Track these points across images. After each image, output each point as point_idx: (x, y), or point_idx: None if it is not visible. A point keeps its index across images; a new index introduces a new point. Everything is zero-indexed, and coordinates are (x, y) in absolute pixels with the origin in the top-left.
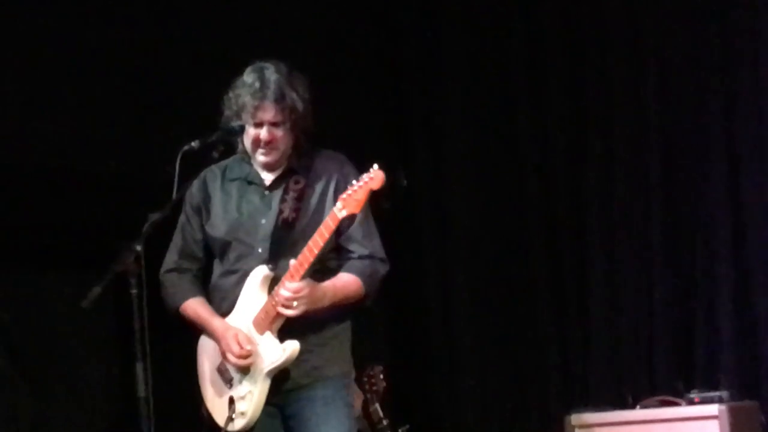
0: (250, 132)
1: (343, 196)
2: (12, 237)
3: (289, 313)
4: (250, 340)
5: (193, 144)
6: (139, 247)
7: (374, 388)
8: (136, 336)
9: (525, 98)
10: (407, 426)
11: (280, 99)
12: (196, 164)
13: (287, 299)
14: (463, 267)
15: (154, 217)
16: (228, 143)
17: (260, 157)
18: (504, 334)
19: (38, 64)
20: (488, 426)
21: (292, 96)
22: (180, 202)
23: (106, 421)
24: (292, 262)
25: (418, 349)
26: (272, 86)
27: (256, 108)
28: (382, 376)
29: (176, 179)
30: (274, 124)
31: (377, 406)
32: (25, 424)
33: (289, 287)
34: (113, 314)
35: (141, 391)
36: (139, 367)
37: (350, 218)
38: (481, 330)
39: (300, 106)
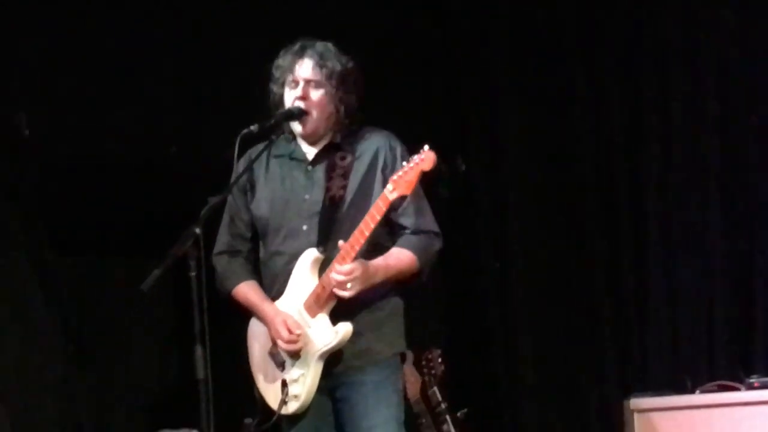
0: (288, 95)
1: (394, 177)
2: (73, 222)
3: (345, 294)
4: (299, 325)
5: (252, 128)
6: (198, 231)
7: (432, 371)
8: (195, 319)
9: (582, 81)
10: (465, 409)
11: (319, 60)
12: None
13: (340, 282)
14: (521, 251)
15: (214, 200)
16: (287, 127)
17: (296, 126)
18: (562, 318)
19: (97, 53)
20: (546, 410)
21: (334, 61)
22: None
23: (165, 403)
24: (341, 243)
25: (477, 333)
26: (314, 48)
27: (295, 64)
28: (440, 360)
29: (235, 163)
30: (309, 83)
31: (435, 389)
32: (85, 406)
33: (341, 270)
34: (173, 297)
35: (200, 373)
36: (198, 350)
37: (401, 199)
38: (538, 314)
39: (341, 71)
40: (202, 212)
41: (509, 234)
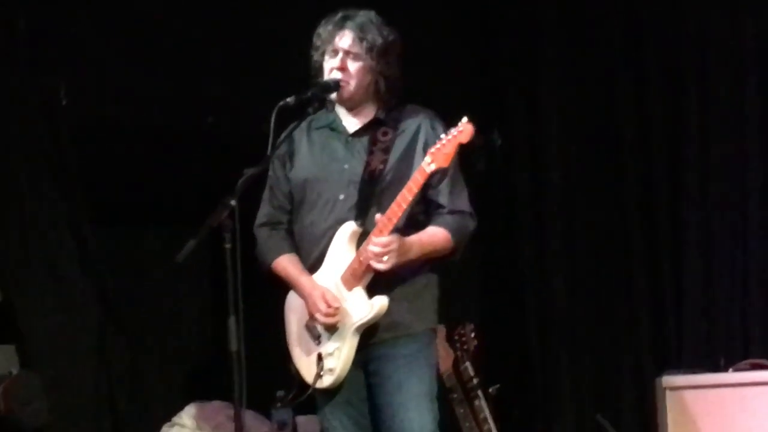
0: (328, 64)
1: (432, 150)
2: (110, 193)
3: (380, 267)
4: (336, 299)
5: (288, 100)
6: (233, 202)
7: (465, 346)
8: (229, 290)
9: (622, 56)
10: (498, 385)
11: (359, 31)
12: (291, 120)
13: (377, 254)
14: (557, 227)
15: (250, 172)
16: (323, 99)
17: (333, 95)
18: (597, 295)
19: (135, 22)
20: (579, 386)
21: (374, 33)
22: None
23: (199, 374)
24: (378, 216)
25: (510, 308)
26: (355, 20)
27: (335, 34)
28: (473, 335)
29: (271, 135)
30: (348, 53)
31: (468, 364)
32: (121, 377)
33: (377, 242)
34: (208, 269)
35: (233, 345)
36: (231, 321)
37: (439, 172)
38: (573, 290)
39: (381, 45)
40: (238, 183)
41: (546, 210)
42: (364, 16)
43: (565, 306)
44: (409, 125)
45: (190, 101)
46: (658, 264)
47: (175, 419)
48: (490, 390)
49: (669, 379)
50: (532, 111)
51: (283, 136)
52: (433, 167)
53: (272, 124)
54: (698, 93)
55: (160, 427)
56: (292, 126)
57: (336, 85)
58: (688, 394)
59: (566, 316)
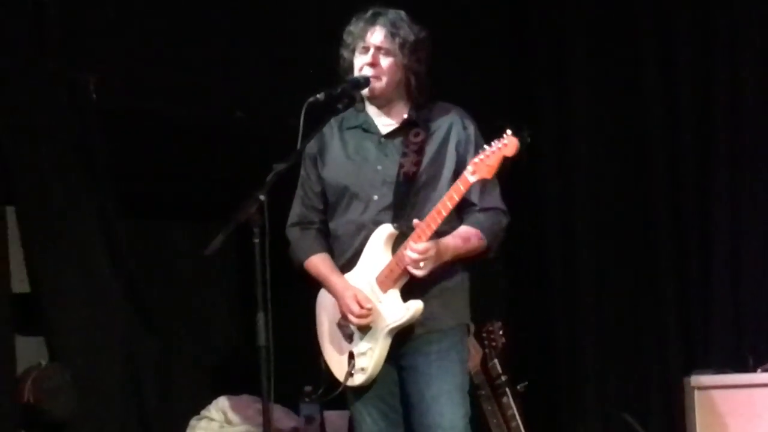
0: (358, 61)
1: (476, 160)
2: (138, 186)
3: (418, 273)
4: (369, 300)
5: (318, 96)
6: (262, 197)
7: (493, 343)
8: (257, 285)
9: (652, 53)
10: (525, 382)
11: (391, 27)
12: (320, 116)
13: (415, 260)
14: (585, 224)
15: (279, 167)
16: (352, 96)
17: (365, 91)
18: (625, 294)
19: (165, 15)
20: (607, 384)
21: (406, 30)
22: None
23: (227, 369)
24: (416, 221)
25: (538, 306)
26: (387, 16)
27: (366, 30)
28: (501, 332)
29: (301, 130)
30: (380, 49)
31: (496, 361)
32: (149, 370)
33: (416, 248)
34: (236, 263)
35: (261, 340)
36: (260, 316)
37: (480, 183)
38: (601, 288)
39: (412, 41)
40: (267, 179)
41: (574, 208)
42: (395, 13)
43: (593, 304)
44: (441, 125)
45: (219, 95)
46: (686, 263)
47: (204, 412)
48: (518, 387)
49: (698, 379)
50: (562, 109)
51: (312, 134)
52: (475, 178)
53: (302, 120)
54: (728, 92)
55: (188, 421)
56: (320, 125)
57: (366, 82)
58: (717, 394)
59: (593, 313)
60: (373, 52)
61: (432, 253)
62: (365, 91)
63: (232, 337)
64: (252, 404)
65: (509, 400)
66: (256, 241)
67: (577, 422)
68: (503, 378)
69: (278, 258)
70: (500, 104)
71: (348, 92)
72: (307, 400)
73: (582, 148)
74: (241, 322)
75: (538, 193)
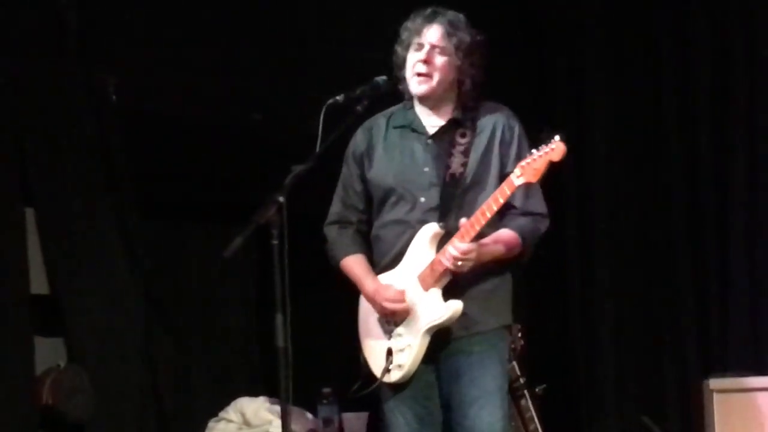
0: (412, 57)
1: (522, 164)
2: (157, 188)
3: (454, 269)
4: (401, 293)
5: (337, 98)
6: (281, 199)
7: (512, 346)
8: (276, 286)
9: (669, 56)
10: (544, 385)
11: (449, 28)
12: (340, 118)
13: (455, 258)
14: (603, 228)
15: (298, 169)
16: (372, 98)
17: (415, 87)
18: (643, 298)
19: (183, 18)
20: (625, 387)
21: (463, 31)
22: (324, 155)
23: (245, 370)
24: (463, 221)
25: (556, 309)
26: (446, 16)
27: (423, 27)
28: (519, 335)
29: (320, 132)
30: (435, 47)
31: (514, 364)
32: (167, 371)
33: (458, 247)
34: (255, 265)
35: (280, 341)
36: (278, 318)
37: (524, 186)
38: (619, 292)
39: (469, 43)
40: (286, 180)
41: (593, 212)
42: (454, 14)
43: (611, 306)
44: (486, 125)
45: (237, 97)
46: (704, 265)
47: (222, 414)
48: (537, 390)
49: (716, 382)
50: (580, 111)
51: (362, 134)
52: (521, 181)
53: (321, 122)
54: (745, 93)
55: (206, 422)
56: (338, 129)
57: (386, 84)
58: (735, 397)
59: (611, 316)
60: (428, 49)
61: (473, 255)
62: (416, 90)
63: (251, 338)
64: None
65: (528, 402)
66: (275, 242)
67: (596, 425)
68: (522, 380)
69: (297, 259)
70: (520, 108)
71: (368, 94)
72: (324, 402)
73: (600, 151)
74: (260, 323)
75: (557, 197)
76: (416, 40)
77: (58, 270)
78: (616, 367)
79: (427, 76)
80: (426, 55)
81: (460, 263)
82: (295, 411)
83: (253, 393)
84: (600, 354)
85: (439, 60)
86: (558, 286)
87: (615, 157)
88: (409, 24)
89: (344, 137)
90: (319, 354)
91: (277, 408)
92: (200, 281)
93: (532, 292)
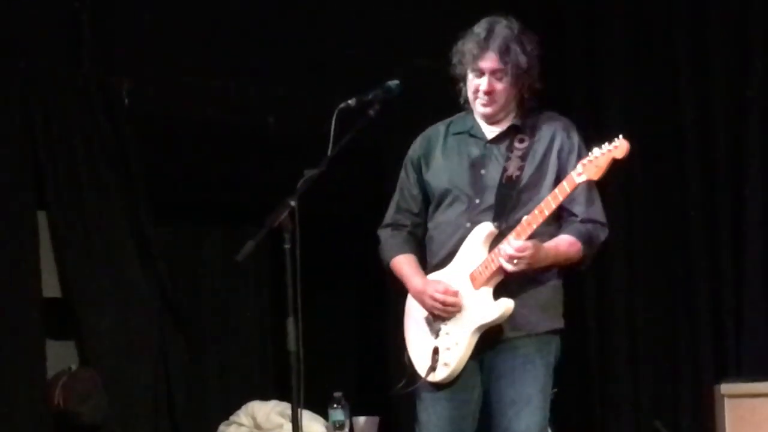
0: (471, 81)
1: (584, 161)
2: (170, 191)
3: (510, 268)
4: (451, 289)
5: (349, 102)
6: (293, 203)
7: None
8: (288, 291)
9: (686, 57)
10: (555, 389)
11: (503, 50)
12: (352, 122)
13: (510, 256)
14: (618, 234)
15: (310, 173)
16: (384, 102)
17: (479, 108)
18: (657, 301)
19: (197, 21)
20: (638, 392)
21: (517, 50)
22: (335, 158)
23: (256, 374)
24: (526, 217)
25: (570, 313)
26: (498, 38)
27: (478, 56)
28: None
29: (332, 136)
30: (494, 74)
31: None
32: (179, 375)
33: (513, 244)
34: (267, 269)
35: (291, 345)
36: (290, 322)
37: (585, 194)
38: (633, 297)
39: (524, 61)
40: (299, 184)
41: (608, 214)
42: (507, 30)
43: (624, 311)
44: (545, 133)
45: (251, 101)
46: (718, 271)
47: (233, 418)
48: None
49: (728, 387)
50: (595, 119)
51: (421, 141)
52: (583, 178)
53: (333, 126)
54: (764, 97)
55: (217, 425)
56: (352, 130)
57: (398, 88)
58: (748, 402)
59: (625, 321)
60: (487, 78)
61: (528, 253)
62: (481, 110)
63: (263, 341)
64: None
65: None
66: (287, 246)
67: (609, 429)
68: None
69: (309, 263)
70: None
71: (380, 98)
72: (335, 405)
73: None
74: (272, 326)
75: None
76: (473, 66)
77: (71, 273)
78: (629, 371)
79: (489, 102)
80: (488, 85)
81: (515, 261)
82: (306, 415)
83: (265, 396)
84: (613, 358)
85: (499, 85)
86: (572, 290)
87: (630, 168)
88: (464, 48)
89: (356, 141)
90: (331, 358)
91: (289, 412)
92: (213, 284)
93: None
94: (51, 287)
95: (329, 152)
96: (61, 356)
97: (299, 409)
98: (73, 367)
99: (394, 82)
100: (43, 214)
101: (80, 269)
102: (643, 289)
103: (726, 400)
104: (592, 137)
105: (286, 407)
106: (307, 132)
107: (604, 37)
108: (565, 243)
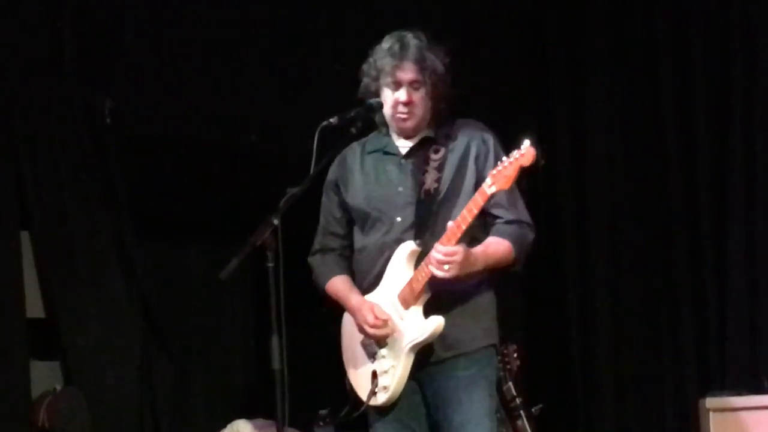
0: (389, 96)
1: (493, 172)
2: (154, 209)
3: (440, 274)
4: (384, 312)
5: (331, 120)
6: (276, 221)
7: (508, 366)
8: (271, 309)
9: (669, 70)
10: (540, 405)
11: (419, 60)
12: (334, 140)
13: (439, 261)
14: (601, 247)
15: (292, 191)
16: (367, 120)
17: (399, 123)
18: (640, 316)
19: (179, 40)
20: (622, 407)
21: (432, 58)
22: (318, 177)
23: (241, 392)
24: (450, 223)
25: (553, 329)
26: (412, 48)
27: (396, 68)
28: (516, 355)
29: (314, 154)
30: (412, 84)
31: (510, 384)
32: (164, 393)
33: (441, 249)
34: (251, 287)
35: (276, 363)
36: (274, 340)
37: (506, 198)
38: (616, 310)
39: (440, 69)
40: (281, 202)
41: (590, 230)
42: (418, 40)
43: (608, 326)
44: (460, 140)
45: (233, 119)
46: (701, 285)
47: None
48: (533, 410)
49: (713, 401)
50: (577, 130)
51: (325, 159)
52: (493, 189)
53: (315, 144)
54: (744, 106)
55: None
56: (332, 151)
57: (379, 107)
58: (732, 416)
59: (609, 335)
60: (405, 89)
61: (458, 257)
62: (402, 126)
63: (247, 359)
64: (266, 428)
65: (524, 423)
66: (270, 265)
67: None
68: (518, 401)
69: (292, 281)
70: (515, 125)
71: (361, 116)
72: (321, 424)
73: (598, 166)
74: (256, 344)
75: (554, 213)
76: (389, 79)
77: (54, 293)
78: (614, 386)
79: (409, 113)
80: (407, 95)
81: (446, 267)
82: None
83: (250, 415)
84: (597, 373)
85: (417, 96)
86: (555, 305)
87: (613, 174)
88: (378, 63)
89: None
90: (316, 376)
91: (274, 430)
92: (197, 302)
93: (528, 311)
94: (35, 308)
95: (312, 170)
96: (45, 376)
97: (284, 427)
98: (58, 387)
99: (376, 100)
100: (26, 234)
101: (63, 289)
102: (626, 304)
103: (711, 414)
104: (574, 156)
105: (271, 425)
106: (289, 150)
107: (587, 46)
108: (493, 244)
